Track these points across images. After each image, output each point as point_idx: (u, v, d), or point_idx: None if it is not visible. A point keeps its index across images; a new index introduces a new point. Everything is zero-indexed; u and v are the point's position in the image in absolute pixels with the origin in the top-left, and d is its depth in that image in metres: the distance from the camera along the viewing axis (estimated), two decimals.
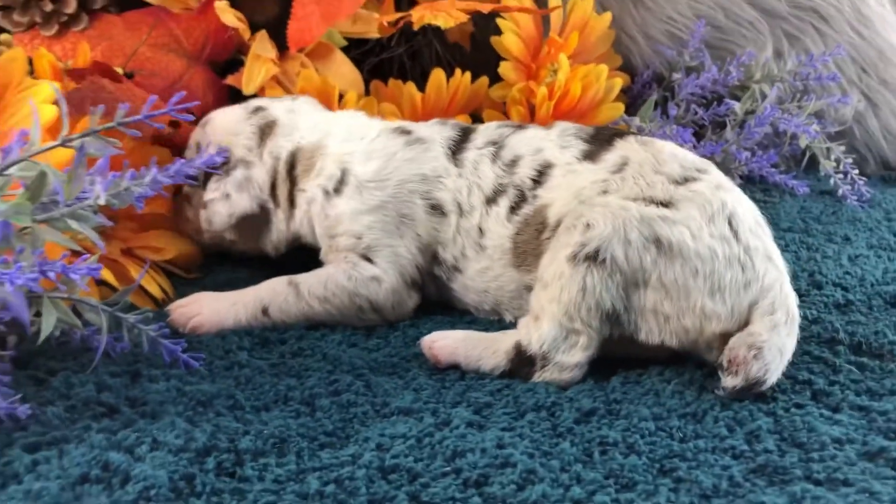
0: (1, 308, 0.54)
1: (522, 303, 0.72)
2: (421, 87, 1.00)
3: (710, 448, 0.55)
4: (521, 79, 1.04)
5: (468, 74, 1.01)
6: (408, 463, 0.52)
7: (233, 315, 0.69)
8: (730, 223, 0.65)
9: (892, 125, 1.19)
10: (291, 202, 0.78)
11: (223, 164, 0.77)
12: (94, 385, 0.60)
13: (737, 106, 1.13)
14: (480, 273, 0.73)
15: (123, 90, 0.79)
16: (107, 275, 0.72)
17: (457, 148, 0.77)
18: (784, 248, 0.92)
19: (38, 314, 0.60)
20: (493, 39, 1.03)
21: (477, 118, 1.03)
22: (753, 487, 0.51)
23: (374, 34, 1.04)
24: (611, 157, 0.71)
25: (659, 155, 0.70)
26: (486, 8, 0.98)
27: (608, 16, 1.11)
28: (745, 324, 0.63)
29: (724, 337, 0.62)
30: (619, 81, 1.08)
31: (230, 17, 0.95)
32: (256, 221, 0.78)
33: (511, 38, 1.03)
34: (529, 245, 0.71)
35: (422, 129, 0.80)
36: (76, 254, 0.67)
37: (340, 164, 0.77)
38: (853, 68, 1.18)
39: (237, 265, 0.85)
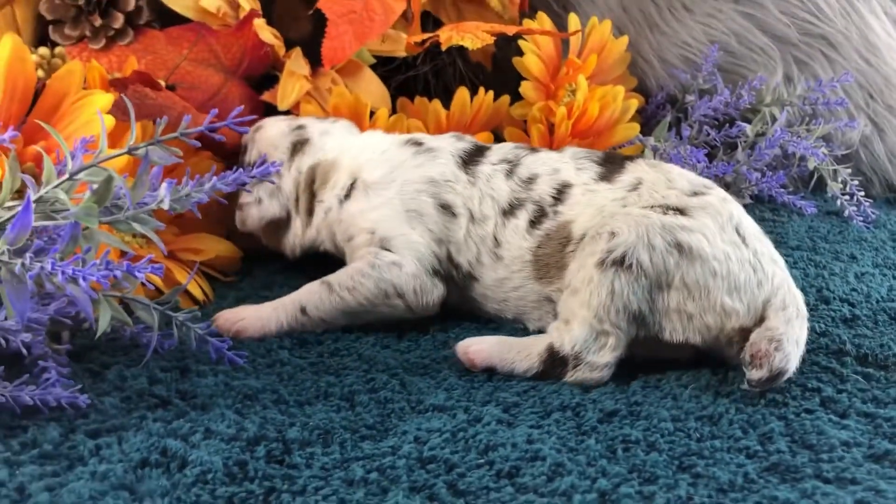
0: (67, 304, 0.58)
1: (543, 313, 0.76)
2: (444, 104, 1.05)
3: (725, 448, 0.59)
4: (540, 98, 1.08)
5: (491, 93, 1.06)
6: (444, 455, 0.56)
7: (275, 318, 0.73)
8: (737, 230, 0.71)
9: None
10: (310, 212, 0.85)
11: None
12: (146, 378, 0.64)
13: (748, 128, 1.17)
14: (498, 283, 0.77)
15: (165, 98, 0.83)
16: (152, 276, 0.76)
17: (469, 160, 0.81)
18: (793, 266, 0.96)
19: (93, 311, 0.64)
20: (515, 60, 1.08)
21: (498, 135, 1.07)
22: (767, 484, 0.55)
23: (401, 53, 1.09)
24: (625, 178, 0.76)
25: (668, 175, 0.76)
26: (510, 30, 1.02)
27: (625, 39, 1.16)
28: (761, 320, 0.68)
29: (743, 332, 0.68)
30: (635, 102, 1.13)
31: (267, 34, 1.00)
32: (281, 224, 0.86)
33: (532, 58, 1.08)
34: (552, 258, 0.75)
35: (433, 140, 0.85)
36: (125, 254, 0.71)
37: (352, 175, 0.83)
38: (860, 94, 1.22)
39: (274, 269, 0.89)
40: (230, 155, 0.90)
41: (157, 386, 0.63)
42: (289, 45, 1.03)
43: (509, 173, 0.79)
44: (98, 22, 0.92)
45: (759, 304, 0.69)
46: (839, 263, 0.97)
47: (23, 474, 0.52)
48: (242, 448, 0.56)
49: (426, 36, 1.03)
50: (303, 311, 0.74)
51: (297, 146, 0.87)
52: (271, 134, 0.89)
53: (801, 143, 1.15)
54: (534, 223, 0.76)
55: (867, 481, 0.55)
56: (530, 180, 0.78)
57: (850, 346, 0.75)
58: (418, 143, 0.84)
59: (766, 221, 1.14)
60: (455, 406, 0.63)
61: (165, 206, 0.58)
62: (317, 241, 0.85)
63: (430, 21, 1.16)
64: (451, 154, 0.82)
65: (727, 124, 1.17)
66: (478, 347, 0.68)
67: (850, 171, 1.17)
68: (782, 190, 1.15)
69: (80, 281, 0.52)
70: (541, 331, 0.76)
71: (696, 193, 0.74)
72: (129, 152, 0.60)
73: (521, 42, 1.08)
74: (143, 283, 0.63)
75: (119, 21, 0.93)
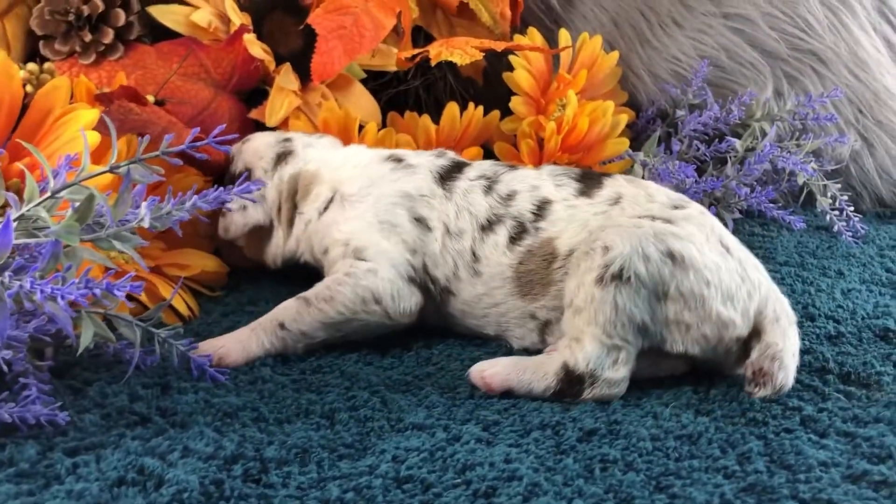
0: (47, 321, 0.58)
1: (527, 330, 0.76)
2: (435, 118, 1.05)
3: (703, 468, 0.59)
4: (530, 113, 1.09)
5: (480, 108, 1.06)
6: (421, 474, 0.56)
7: (255, 339, 0.72)
8: (721, 241, 0.73)
9: (886, 164, 1.24)
10: (291, 222, 0.86)
11: (246, 180, 0.83)
12: (127, 395, 0.64)
13: (737, 143, 1.18)
14: (477, 298, 0.77)
15: (150, 114, 0.83)
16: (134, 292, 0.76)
17: (446, 176, 0.82)
18: (780, 282, 0.97)
19: (75, 328, 0.64)
20: (505, 75, 1.08)
21: (488, 150, 1.08)
22: None
23: (392, 68, 1.09)
24: (604, 192, 0.77)
25: (647, 189, 0.78)
26: (499, 46, 1.03)
27: (615, 54, 1.16)
28: (755, 329, 0.70)
29: (739, 342, 0.70)
30: (625, 117, 1.13)
31: (257, 49, 1.00)
32: (263, 233, 0.87)
33: (522, 74, 1.08)
34: (536, 274, 0.75)
35: (413, 156, 0.86)
36: (109, 270, 0.72)
37: (332, 188, 0.83)
38: (850, 109, 1.23)
39: (260, 284, 0.90)
40: (217, 171, 0.91)
41: (138, 403, 0.63)
42: (279, 60, 1.04)
43: (488, 189, 0.80)
44: (88, 37, 0.93)
45: (751, 314, 0.70)
46: (826, 279, 0.97)
47: None
48: (220, 467, 0.56)
49: (416, 51, 1.04)
50: (281, 326, 0.74)
51: (282, 157, 0.88)
52: (257, 145, 0.91)
53: (791, 159, 1.15)
54: (514, 239, 0.76)
55: (843, 502, 0.55)
56: (509, 196, 0.79)
57: (833, 363, 0.75)
58: (398, 160, 0.85)
59: (756, 236, 1.14)
60: (435, 424, 0.63)
61: (146, 224, 0.58)
62: (297, 252, 0.85)
63: (422, 35, 1.17)
64: (429, 170, 0.82)
65: (717, 139, 1.18)
66: (493, 371, 0.68)
67: (839, 186, 1.18)
68: (772, 205, 1.15)
69: (59, 299, 0.53)
70: (527, 349, 0.76)
71: (676, 207, 0.76)
72: (111, 170, 0.60)
73: (511, 57, 1.08)
74: (127, 299, 0.63)
75: (109, 36, 0.93)
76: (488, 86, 1.19)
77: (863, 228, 1.13)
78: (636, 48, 1.24)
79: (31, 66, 0.88)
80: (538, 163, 1.06)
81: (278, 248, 0.87)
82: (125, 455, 0.56)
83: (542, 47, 1.09)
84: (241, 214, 0.86)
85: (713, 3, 1.23)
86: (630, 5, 1.25)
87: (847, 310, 0.87)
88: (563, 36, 1.13)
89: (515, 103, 1.08)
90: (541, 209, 0.77)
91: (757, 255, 1.05)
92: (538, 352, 0.75)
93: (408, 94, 1.18)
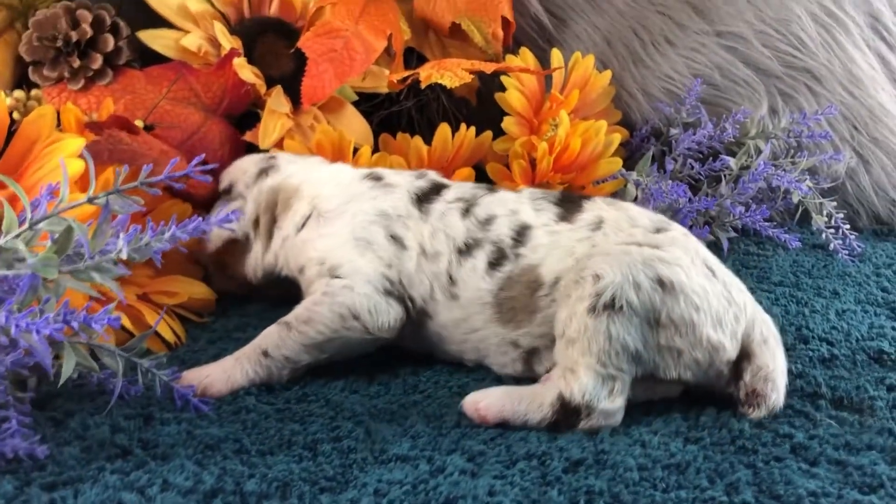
0: (25, 354, 0.58)
1: (509, 359, 0.75)
2: (428, 138, 1.05)
3: (690, 498, 0.58)
4: (523, 133, 1.08)
5: (473, 129, 1.06)
6: None
7: (239, 368, 0.72)
8: (706, 264, 0.72)
9: (883, 181, 1.23)
10: (269, 235, 0.86)
11: (226, 195, 0.88)
12: (108, 427, 0.64)
13: (732, 162, 1.17)
14: (455, 323, 0.76)
15: (140, 142, 0.83)
16: (123, 319, 0.75)
17: (424, 197, 0.81)
18: (775, 302, 0.96)
19: (57, 357, 0.64)
20: (498, 95, 1.08)
21: (480, 170, 1.07)
22: None
23: (383, 90, 1.09)
24: (585, 217, 0.77)
25: (628, 212, 0.77)
26: (490, 68, 1.02)
27: (608, 74, 1.16)
28: (744, 351, 0.70)
29: (729, 365, 0.69)
30: (618, 136, 1.13)
31: (247, 73, 1.00)
32: (240, 247, 0.87)
33: (514, 94, 1.08)
34: (519, 302, 0.74)
35: (392, 175, 0.86)
36: (97, 300, 0.71)
37: (311, 205, 0.83)
38: (845, 126, 1.22)
39: (248, 311, 0.89)
40: (207, 199, 0.90)
41: (119, 435, 0.63)
42: (270, 83, 1.03)
43: (465, 212, 0.79)
44: (77, 63, 0.93)
45: (739, 337, 0.70)
46: (821, 300, 0.96)
47: None
48: (199, 501, 0.55)
49: (407, 74, 1.03)
50: (265, 353, 0.73)
51: (263, 171, 0.88)
52: (244, 162, 0.91)
53: (786, 177, 1.14)
54: (493, 265, 0.75)
55: None
56: (488, 221, 0.78)
57: (826, 388, 0.74)
58: (377, 178, 0.85)
59: (751, 255, 1.13)
60: (419, 456, 0.62)
61: (124, 255, 0.58)
62: (276, 266, 0.85)
63: (414, 56, 1.17)
64: (407, 190, 0.82)
65: (711, 158, 1.17)
66: (487, 402, 0.67)
67: (835, 203, 1.17)
68: (767, 223, 1.14)
69: (35, 334, 0.52)
70: (514, 377, 0.75)
71: (658, 230, 0.75)
72: (90, 201, 0.60)
73: (503, 78, 1.08)
74: (111, 327, 0.62)
75: (98, 62, 0.93)
76: (482, 105, 1.19)
77: (859, 246, 1.12)
78: (629, 67, 1.23)
79: (18, 93, 0.88)
80: (531, 183, 1.06)
81: (257, 261, 0.87)
82: (103, 490, 0.56)
83: (534, 69, 1.09)
84: (217, 228, 0.86)
85: (706, 21, 1.22)
86: (623, 24, 1.25)
87: (841, 331, 0.86)
88: (556, 56, 1.13)
89: (508, 123, 1.07)
90: (520, 234, 0.76)
91: (751, 274, 1.06)
92: (527, 380, 0.74)
93: (400, 114, 1.18)
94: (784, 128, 1.20)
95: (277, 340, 0.73)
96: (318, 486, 0.58)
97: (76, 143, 0.73)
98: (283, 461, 0.61)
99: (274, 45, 1.06)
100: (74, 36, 0.92)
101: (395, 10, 1.12)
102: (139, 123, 0.92)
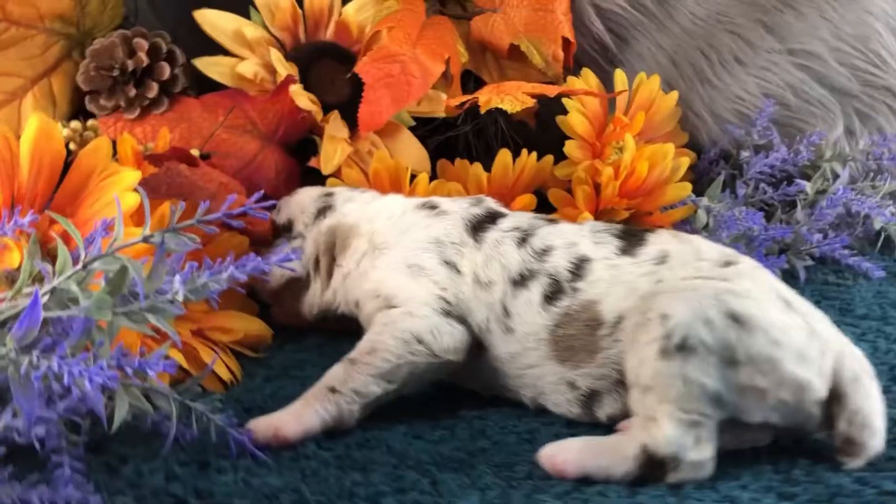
0: (79, 400, 0.55)
1: (565, 399, 0.71)
2: (486, 164, 1.02)
3: None
4: (586, 157, 1.04)
5: (534, 154, 1.02)
6: None
7: (309, 409, 0.68)
8: (780, 296, 0.67)
9: None
10: (329, 274, 0.84)
11: (286, 231, 0.87)
12: (163, 474, 0.61)
13: (807, 186, 1.11)
14: (511, 357, 0.72)
15: (199, 175, 0.81)
16: (177, 356, 0.73)
17: (479, 226, 0.78)
18: (861, 337, 0.90)
19: (110, 398, 0.61)
20: (559, 119, 1.04)
21: (542, 196, 1.03)
22: None
23: (440, 114, 1.06)
24: (648, 250, 0.72)
25: (694, 245, 0.72)
26: (552, 91, 0.99)
27: (674, 95, 1.11)
28: (835, 392, 0.64)
29: (820, 405, 0.63)
30: (686, 160, 1.07)
31: (304, 100, 0.98)
32: (300, 285, 0.85)
33: (577, 117, 1.04)
34: (579, 340, 0.70)
35: (447, 203, 0.83)
36: (150, 338, 0.69)
37: (369, 241, 0.81)
38: None
39: (305, 345, 0.86)
40: (265, 234, 0.88)
41: (174, 483, 0.60)
42: (326, 109, 1.01)
43: (521, 241, 0.75)
44: (133, 92, 0.91)
45: (828, 374, 0.64)
46: None
47: None
48: None
49: (465, 98, 1.00)
50: (332, 390, 0.69)
51: (322, 211, 0.87)
52: (302, 198, 0.89)
53: (866, 202, 1.08)
54: (549, 298, 0.71)
55: None
56: (544, 252, 0.74)
57: None
58: (432, 207, 0.82)
59: (830, 285, 1.06)
60: None
61: (180, 297, 0.55)
62: (334, 303, 0.83)
63: (472, 79, 1.14)
64: (461, 217, 0.79)
65: (784, 182, 1.12)
66: (566, 456, 0.62)
67: None
68: (846, 252, 1.08)
69: (87, 382, 0.50)
70: (569, 418, 0.71)
71: (727, 263, 0.70)
72: (144, 240, 0.57)
73: (565, 100, 1.04)
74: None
75: (154, 90, 0.92)
76: (541, 128, 1.15)
77: None
78: (696, 87, 1.19)
79: (75, 123, 0.87)
80: (595, 209, 1.01)
81: (315, 297, 0.85)
82: None
83: (598, 91, 1.04)
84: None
85: (777, 39, 1.17)
86: (689, 43, 1.20)
87: None
88: (619, 77, 1.09)
89: (570, 148, 1.03)
90: (578, 268, 0.72)
91: (833, 306, 1.00)
92: (587, 426, 0.70)
93: (457, 139, 1.14)
94: (862, 150, 1.14)
95: (344, 376, 0.70)
96: None
97: (132, 175, 0.71)
98: None
99: (330, 71, 1.04)
100: (130, 64, 0.91)
101: (452, 33, 1.09)
102: (195, 152, 0.90)
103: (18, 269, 0.63)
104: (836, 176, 1.12)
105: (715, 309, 0.62)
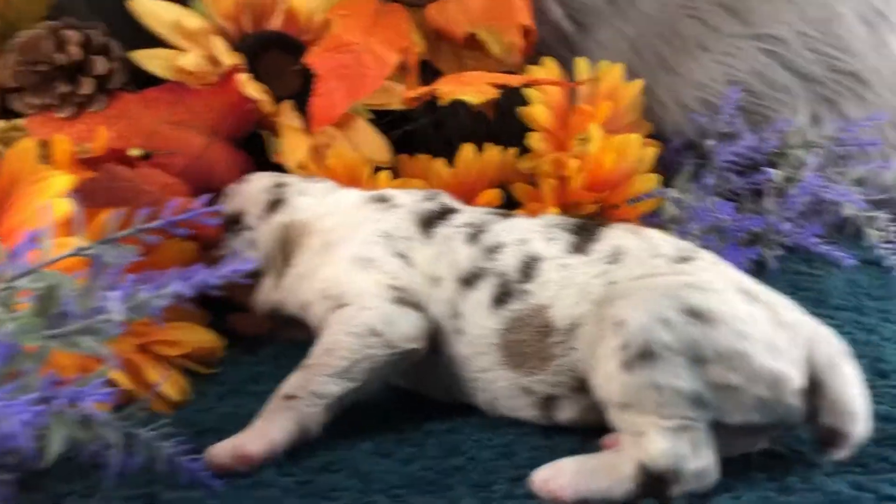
0: (4, 437, 0.49)
1: (523, 405, 0.67)
2: (446, 157, 0.97)
3: None
4: (549, 150, 1.00)
5: (498, 148, 0.98)
6: None
7: (269, 423, 0.63)
8: (741, 287, 0.63)
9: None
10: (280, 273, 0.78)
11: (236, 224, 0.81)
12: None
13: (775, 174, 1.09)
14: (463, 359, 0.68)
15: (141, 177, 0.75)
16: (119, 377, 0.67)
17: (430, 221, 0.74)
18: (839, 329, 0.84)
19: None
20: (522, 110, 1.00)
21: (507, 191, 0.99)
22: None
23: (397, 106, 1.01)
24: (601, 247, 0.68)
25: (650, 240, 0.68)
26: (515, 81, 0.94)
27: (639, 83, 1.08)
28: (813, 379, 0.60)
29: (801, 396, 0.59)
30: (653, 151, 1.04)
31: (253, 89, 0.92)
32: (252, 280, 0.76)
33: (540, 108, 1.00)
34: (531, 347, 0.66)
35: (400, 196, 0.79)
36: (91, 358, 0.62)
37: (322, 239, 0.76)
38: (894, 133, 1.14)
39: (261, 357, 0.80)
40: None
41: None
42: (276, 102, 0.95)
43: (472, 238, 0.71)
44: (64, 88, 0.84)
45: (802, 362, 0.60)
46: (890, 325, 0.87)
47: None
48: None
49: (423, 90, 0.95)
50: (290, 397, 0.64)
51: (274, 204, 0.82)
52: (251, 189, 0.84)
53: (838, 189, 1.06)
54: (499, 301, 0.67)
55: None
56: (494, 249, 0.69)
57: None
58: (383, 199, 0.78)
59: (802, 275, 1.04)
60: None
61: (118, 317, 0.49)
62: (284, 303, 0.78)
63: (429, 70, 1.09)
64: (412, 211, 0.75)
65: (751, 170, 1.09)
66: (561, 481, 0.57)
67: (889, 216, 1.08)
68: (817, 240, 1.05)
69: (13, 418, 0.43)
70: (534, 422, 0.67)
71: (684, 259, 0.66)
72: (78, 253, 0.51)
73: (526, 90, 1.00)
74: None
75: (88, 86, 0.85)
76: (501, 120, 1.10)
77: None
78: (659, 75, 1.15)
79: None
80: (561, 203, 0.97)
81: (265, 295, 0.79)
82: None
83: (562, 81, 1.00)
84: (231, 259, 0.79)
85: (742, 23, 1.14)
86: (651, 30, 1.16)
87: None
88: (581, 65, 1.05)
89: (534, 140, 0.99)
90: (528, 268, 0.68)
91: (807, 297, 0.96)
92: (565, 435, 0.65)
93: (415, 133, 1.09)
94: (828, 136, 1.12)
95: (301, 381, 0.65)
96: None
97: (64, 181, 0.65)
98: None
99: (278, 62, 0.98)
100: (61, 59, 0.84)
101: (407, 21, 1.04)
102: (136, 152, 0.83)
103: None
104: (803, 163, 1.10)
105: (672, 307, 0.58)
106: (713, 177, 1.09)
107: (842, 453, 0.60)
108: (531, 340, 0.65)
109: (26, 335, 0.48)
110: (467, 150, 0.96)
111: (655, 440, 0.57)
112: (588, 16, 1.17)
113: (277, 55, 0.98)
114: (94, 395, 0.47)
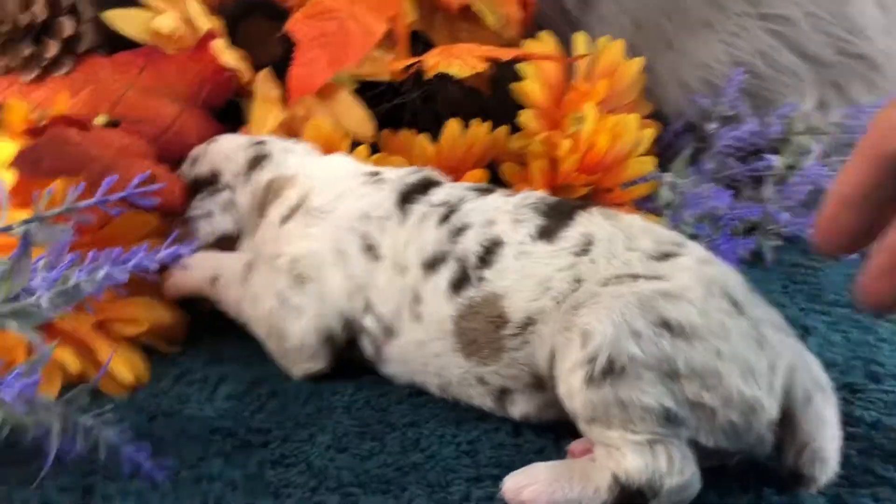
0: None
1: (475, 393, 0.64)
2: (435, 134, 0.93)
3: None
4: (542, 128, 0.96)
5: (486, 125, 0.93)
6: None
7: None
8: (727, 295, 0.56)
9: None
10: (255, 231, 0.77)
11: (210, 185, 0.78)
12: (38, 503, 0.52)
13: (777, 161, 1.04)
14: (417, 345, 0.65)
15: (93, 141, 0.70)
16: (68, 356, 0.64)
17: (408, 197, 0.70)
18: (832, 326, 0.83)
19: None
20: (514, 86, 0.95)
21: (495, 171, 0.95)
22: None
23: (384, 77, 0.97)
24: (570, 234, 0.62)
25: (628, 230, 0.61)
26: (507, 55, 0.90)
27: (639, 61, 1.03)
28: (786, 412, 0.55)
29: (771, 427, 0.55)
30: (650, 132, 1.00)
31: (229, 57, 0.88)
32: (229, 243, 0.78)
33: (533, 84, 0.95)
34: (483, 337, 0.61)
35: (388, 173, 0.76)
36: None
37: (301, 195, 0.74)
38: None
39: (225, 336, 0.77)
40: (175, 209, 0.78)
41: None
42: (257, 70, 0.91)
43: (443, 219, 0.67)
44: (28, 51, 0.80)
45: (778, 391, 0.55)
46: (887, 325, 0.83)
47: None
48: None
49: (410, 61, 0.91)
50: (213, 281, 0.73)
51: (256, 161, 0.79)
52: (226, 146, 0.81)
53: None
54: (455, 286, 0.63)
55: None
56: (459, 231, 0.65)
57: None
58: (373, 174, 0.75)
59: (798, 267, 1.00)
60: None
61: (45, 303, 0.46)
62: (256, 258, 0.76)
63: (421, 42, 1.04)
64: (394, 188, 0.71)
65: (753, 156, 1.04)
66: (533, 490, 0.54)
67: None
68: None
69: None
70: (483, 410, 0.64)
71: (665, 255, 0.59)
72: (5, 231, 0.48)
73: (520, 65, 0.95)
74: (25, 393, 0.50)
75: (53, 49, 0.81)
76: (496, 97, 1.06)
77: None
78: (661, 54, 1.10)
79: None
80: (551, 186, 0.93)
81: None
82: None
83: (558, 56, 0.96)
84: (207, 221, 0.77)
85: (749, 2, 1.09)
86: (654, 5, 1.11)
87: None
88: (580, 41, 1.00)
89: (526, 118, 0.95)
90: (488, 253, 0.63)
91: (801, 291, 0.93)
92: (537, 432, 0.62)
93: (404, 107, 1.05)
94: (836, 122, 1.07)
95: (230, 279, 0.72)
96: None
97: (8, 148, 0.61)
98: None
99: (260, 29, 0.93)
100: (24, 19, 0.80)
101: None
102: (101, 120, 0.80)
103: None
104: (806, 150, 1.05)
105: (642, 319, 0.53)
106: (712, 162, 1.05)
107: (810, 490, 0.56)
108: (484, 330, 0.61)
109: None
110: (453, 127, 0.91)
111: (629, 456, 0.53)
112: None
113: (260, 21, 0.94)
114: (13, 386, 0.44)
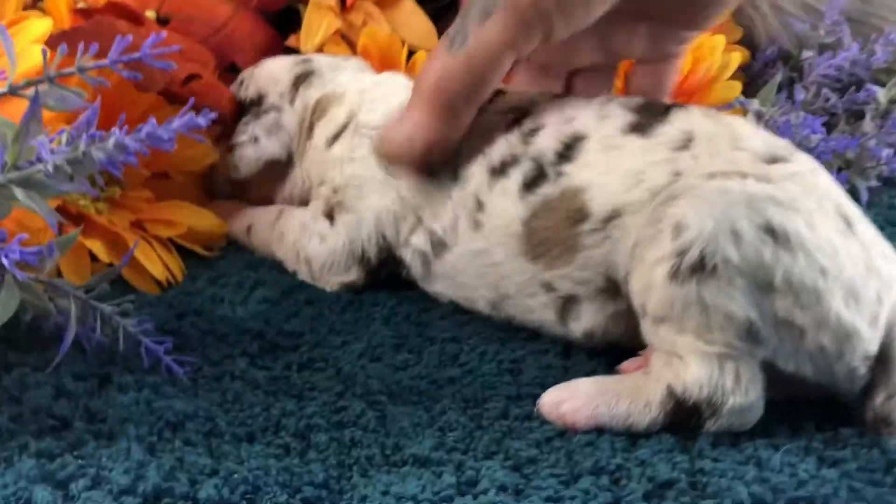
0: None
1: (539, 304, 0.57)
2: None
3: None
4: None
5: None
6: None
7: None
8: (839, 212, 0.51)
9: None
10: (304, 155, 0.72)
11: (254, 107, 0.74)
12: (51, 388, 0.49)
13: (879, 93, 0.95)
14: (475, 255, 0.59)
15: (143, 36, 0.67)
16: (99, 250, 0.61)
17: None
18: None
19: None
20: None
21: None
22: None
23: None
24: (668, 129, 0.55)
25: (734, 130, 0.55)
26: None
27: None
28: (884, 350, 0.50)
29: (867, 362, 0.49)
30: (738, 56, 0.92)
31: None
32: (279, 169, 0.73)
33: None
34: (556, 235, 0.55)
35: None
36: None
37: (350, 113, 0.68)
38: None
39: None
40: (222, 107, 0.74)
41: (62, 401, 0.48)
42: None
43: (512, 124, 0.60)
44: None
45: (881, 324, 0.49)
46: None
47: None
48: None
49: None
50: (249, 230, 0.72)
51: (302, 78, 0.74)
52: (272, 68, 0.76)
53: None
54: (529, 186, 0.57)
55: None
56: (533, 132, 0.59)
57: None
58: None
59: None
60: (444, 459, 0.45)
61: (51, 166, 0.42)
62: (306, 189, 0.72)
63: None
64: None
65: (853, 87, 0.95)
66: (574, 404, 0.49)
67: None
68: None
69: None
70: (539, 328, 0.59)
71: (774, 159, 0.53)
72: (12, 92, 0.44)
73: None
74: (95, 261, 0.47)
75: None
76: None
77: None
78: None
79: None
80: None
81: (295, 187, 0.73)
82: (15, 479, 0.42)
83: None
84: (252, 148, 0.72)
85: None
86: None
87: None
88: None
89: None
90: (569, 148, 0.57)
91: None
92: (588, 354, 0.56)
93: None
94: None
95: (263, 224, 0.71)
96: (299, 496, 0.42)
97: (42, 25, 0.58)
98: (260, 454, 0.45)
99: None
100: None
101: None
102: (150, 14, 0.76)
103: None
104: None
105: (747, 218, 0.48)
106: (806, 92, 0.95)
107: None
108: (557, 226, 0.55)
109: None
110: None
111: (692, 366, 0.48)
112: None
113: None
114: (14, 252, 0.40)
